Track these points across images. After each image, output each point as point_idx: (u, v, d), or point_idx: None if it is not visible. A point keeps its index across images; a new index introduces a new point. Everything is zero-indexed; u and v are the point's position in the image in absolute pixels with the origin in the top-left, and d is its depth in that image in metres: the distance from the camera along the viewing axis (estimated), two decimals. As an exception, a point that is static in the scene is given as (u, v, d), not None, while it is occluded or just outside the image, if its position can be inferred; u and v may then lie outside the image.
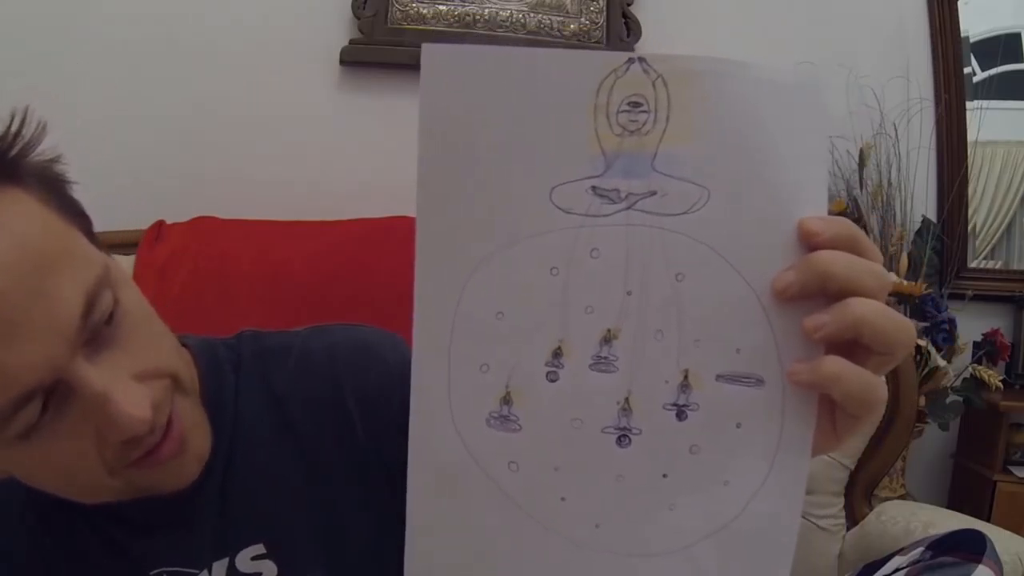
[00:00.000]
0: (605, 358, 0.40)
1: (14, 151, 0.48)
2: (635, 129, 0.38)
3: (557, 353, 0.40)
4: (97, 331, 0.47)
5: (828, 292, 0.39)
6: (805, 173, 0.40)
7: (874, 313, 0.38)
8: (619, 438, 0.41)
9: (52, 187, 0.50)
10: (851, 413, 0.41)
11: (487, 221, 0.39)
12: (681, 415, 0.41)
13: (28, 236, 0.45)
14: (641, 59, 0.37)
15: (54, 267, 0.46)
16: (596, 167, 0.38)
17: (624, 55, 0.37)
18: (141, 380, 0.49)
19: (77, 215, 0.52)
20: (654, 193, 0.39)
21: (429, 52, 0.37)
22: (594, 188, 0.39)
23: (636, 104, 0.38)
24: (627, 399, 0.40)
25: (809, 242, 0.39)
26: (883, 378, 0.41)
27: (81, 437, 0.48)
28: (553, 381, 0.41)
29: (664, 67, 0.37)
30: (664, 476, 0.41)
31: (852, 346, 0.40)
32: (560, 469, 0.42)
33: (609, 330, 0.40)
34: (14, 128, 0.48)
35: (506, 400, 0.41)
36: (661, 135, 0.38)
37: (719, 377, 0.40)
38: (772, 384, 0.40)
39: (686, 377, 0.40)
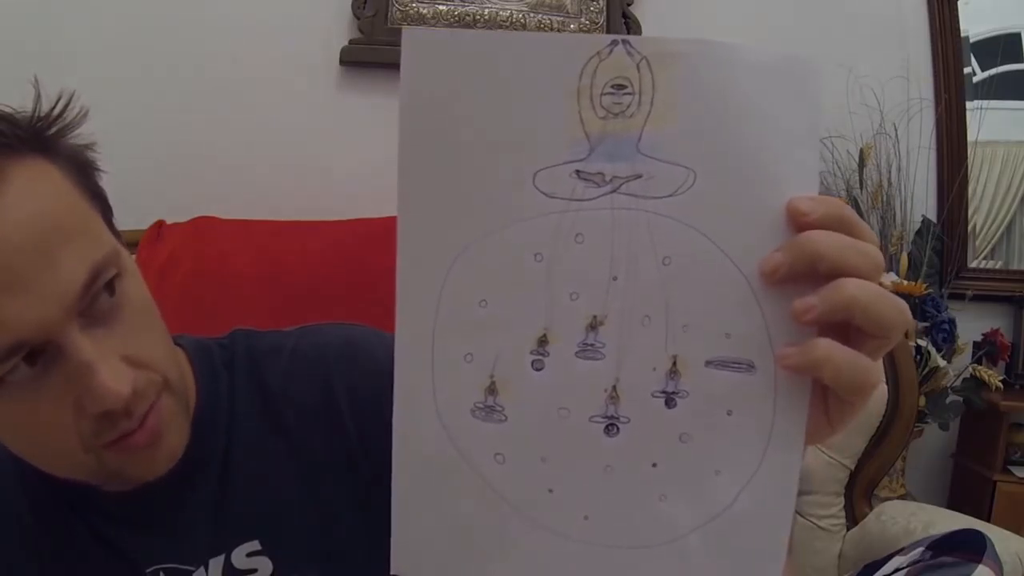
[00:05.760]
0: (591, 345, 0.39)
1: (52, 130, 0.51)
2: (619, 112, 0.37)
3: (542, 341, 0.39)
4: (96, 305, 0.49)
5: (818, 273, 0.38)
6: (795, 154, 0.39)
7: (865, 294, 0.37)
8: (607, 427, 0.40)
9: (81, 170, 0.53)
10: (843, 398, 0.40)
11: (469, 207, 0.38)
12: (670, 403, 0.40)
13: (49, 205, 0.48)
14: (625, 41, 0.37)
15: (68, 238, 0.48)
16: (580, 151, 0.38)
17: (607, 37, 0.36)
18: (129, 364, 0.50)
19: (100, 200, 0.54)
20: (639, 176, 0.38)
21: (410, 36, 0.37)
22: (578, 172, 0.38)
23: (620, 86, 0.37)
24: (614, 387, 0.40)
25: (798, 222, 0.38)
26: (880, 363, 0.40)
27: (61, 402, 0.48)
28: (539, 370, 0.40)
29: (648, 49, 0.37)
30: (654, 466, 0.40)
31: (847, 329, 0.39)
32: (547, 460, 0.41)
33: (595, 316, 0.39)
34: (57, 110, 0.51)
35: (491, 390, 0.40)
36: (646, 117, 0.37)
37: (708, 363, 0.39)
38: (763, 370, 0.39)
39: (675, 363, 0.39)
